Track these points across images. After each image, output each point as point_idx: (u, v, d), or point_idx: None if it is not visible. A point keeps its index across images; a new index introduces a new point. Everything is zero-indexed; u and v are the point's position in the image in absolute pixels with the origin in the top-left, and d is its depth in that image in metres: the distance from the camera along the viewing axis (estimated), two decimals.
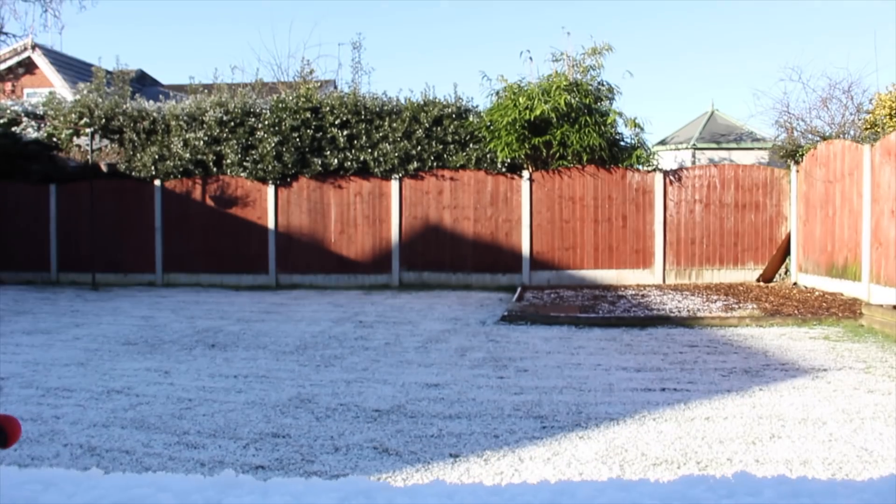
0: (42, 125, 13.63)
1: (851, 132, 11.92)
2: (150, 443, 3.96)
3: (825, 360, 5.98)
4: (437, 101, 12.67)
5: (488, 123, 12.36)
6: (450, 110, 12.58)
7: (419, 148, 12.47)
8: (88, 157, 13.05)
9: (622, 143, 12.76)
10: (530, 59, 13.44)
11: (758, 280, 11.95)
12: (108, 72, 15.16)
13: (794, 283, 11.51)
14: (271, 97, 13.29)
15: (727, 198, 12.20)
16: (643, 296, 10.46)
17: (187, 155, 12.84)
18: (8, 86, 18.70)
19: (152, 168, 12.96)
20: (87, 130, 13.05)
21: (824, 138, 11.65)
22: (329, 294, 11.51)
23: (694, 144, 15.37)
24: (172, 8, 39.44)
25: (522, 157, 12.31)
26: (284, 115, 12.66)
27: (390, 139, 12.52)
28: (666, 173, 12.28)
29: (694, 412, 4.45)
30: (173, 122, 13.06)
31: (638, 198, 12.22)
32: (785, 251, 11.97)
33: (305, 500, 0.74)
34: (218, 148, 12.91)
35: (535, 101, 11.85)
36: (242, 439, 4.00)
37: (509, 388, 5.12)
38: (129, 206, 13.06)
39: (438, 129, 12.58)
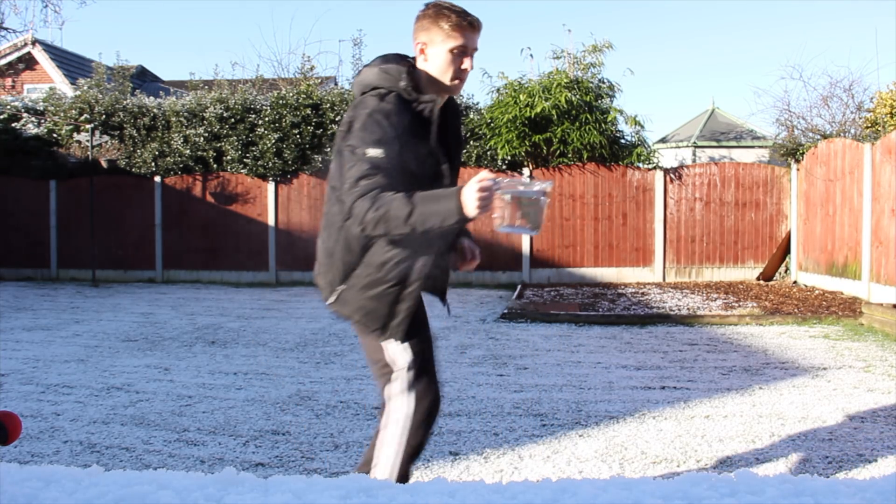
0: (42, 121, 13.63)
1: (852, 131, 11.92)
2: (150, 440, 3.96)
3: (825, 358, 5.98)
4: None
5: (489, 120, 12.34)
6: None
7: None
8: (89, 153, 13.05)
9: (623, 141, 12.75)
10: (531, 56, 13.46)
11: (758, 278, 11.95)
12: (108, 68, 15.15)
13: (794, 282, 11.51)
14: (271, 93, 13.28)
15: (727, 196, 12.20)
16: (643, 294, 10.46)
17: (187, 151, 12.83)
18: (8, 81, 18.70)
19: (152, 164, 12.95)
20: (88, 126, 13.04)
21: (825, 137, 11.64)
22: None
23: (694, 142, 15.36)
24: (173, 4, 39.41)
25: (523, 154, 12.30)
26: (285, 112, 12.65)
27: None
28: (666, 171, 12.28)
29: (694, 410, 4.45)
30: (173, 119, 13.05)
31: (638, 196, 12.21)
32: (785, 250, 11.97)
33: (307, 497, 0.74)
34: (218, 144, 12.90)
35: (536, 99, 11.84)
36: (242, 436, 4.01)
37: (509, 386, 5.12)
38: (129, 203, 13.05)
39: None
